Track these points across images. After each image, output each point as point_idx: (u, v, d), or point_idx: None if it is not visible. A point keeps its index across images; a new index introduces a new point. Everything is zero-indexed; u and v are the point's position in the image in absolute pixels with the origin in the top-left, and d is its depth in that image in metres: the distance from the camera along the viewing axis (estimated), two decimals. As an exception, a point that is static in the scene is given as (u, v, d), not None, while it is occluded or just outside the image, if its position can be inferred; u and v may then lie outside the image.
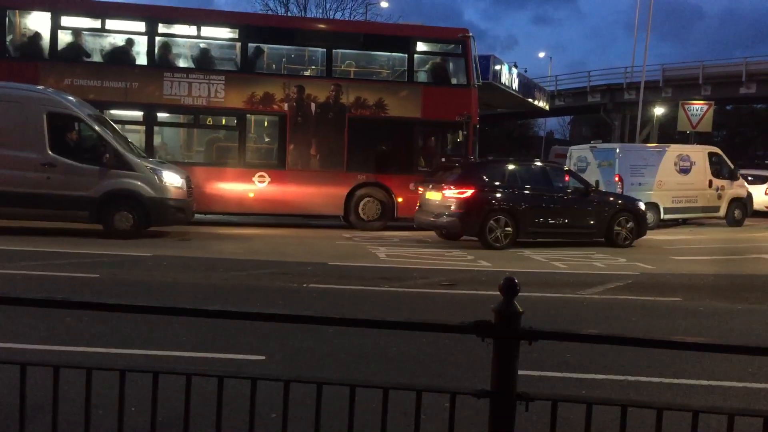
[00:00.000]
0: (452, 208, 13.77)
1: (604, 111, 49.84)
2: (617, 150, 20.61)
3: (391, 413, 2.41)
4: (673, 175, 20.26)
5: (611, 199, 15.48)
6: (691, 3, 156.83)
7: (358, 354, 5.78)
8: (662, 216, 19.98)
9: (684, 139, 27.02)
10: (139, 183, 13.09)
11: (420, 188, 15.21)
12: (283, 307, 7.72)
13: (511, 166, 14.86)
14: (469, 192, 13.76)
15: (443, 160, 16.50)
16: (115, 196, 13.04)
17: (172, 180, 13.49)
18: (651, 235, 16.66)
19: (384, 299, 8.58)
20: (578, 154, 21.37)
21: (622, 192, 18.34)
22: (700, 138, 26.45)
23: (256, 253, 12.16)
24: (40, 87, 13.72)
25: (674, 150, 20.90)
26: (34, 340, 5.80)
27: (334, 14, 42.25)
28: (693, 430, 2.25)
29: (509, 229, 13.76)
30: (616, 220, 14.77)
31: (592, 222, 14.69)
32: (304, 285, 9.12)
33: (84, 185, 12.84)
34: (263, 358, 5.59)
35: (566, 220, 14.49)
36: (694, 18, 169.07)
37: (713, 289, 9.96)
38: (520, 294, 2.24)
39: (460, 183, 13.94)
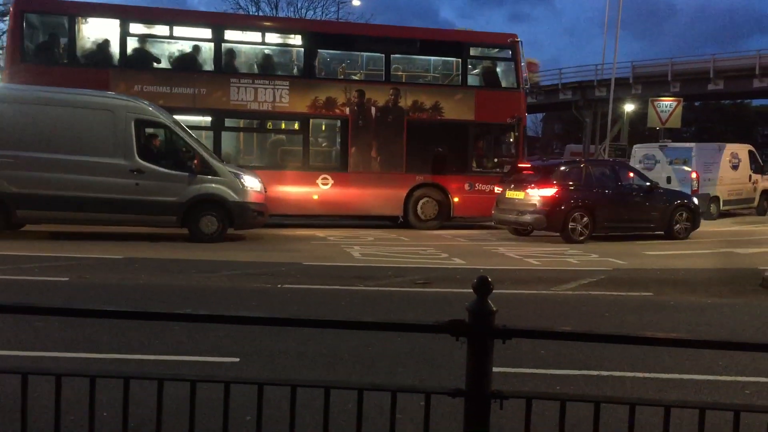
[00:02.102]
0: (537, 205, 14.80)
1: (576, 108, 50.33)
2: (693, 149, 22.63)
3: (367, 412, 2.40)
4: (729, 171, 22.88)
5: (670, 195, 16.73)
6: (664, 0, 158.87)
7: (333, 354, 5.77)
8: (721, 207, 22.35)
9: (654, 135, 27.34)
10: (223, 188, 13.38)
11: (497, 188, 16.26)
12: (257, 308, 7.68)
13: (586, 166, 16.20)
14: (552, 191, 14.88)
15: (495, 160, 17.96)
16: (201, 201, 13.32)
17: (253, 184, 13.83)
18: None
19: (359, 298, 8.57)
20: (644, 152, 23.37)
21: (698, 188, 20.64)
22: (670, 134, 26.83)
23: (229, 255, 12.07)
24: (125, 95, 13.98)
25: (729, 148, 23.44)
26: (1, 345, 5.70)
27: (306, 13, 42.15)
28: (665, 424, 2.27)
29: (587, 224, 14.82)
30: (675, 215, 15.98)
31: (655, 217, 15.83)
32: (279, 285, 9.07)
33: (172, 191, 13.11)
34: (237, 360, 5.55)
35: (634, 215, 15.67)
36: (667, 15, 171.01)
37: (684, 284, 10.10)
38: (494, 291, 2.25)
39: (543, 183, 15.02)
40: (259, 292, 8.75)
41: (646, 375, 5.46)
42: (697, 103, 64.69)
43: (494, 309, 2.21)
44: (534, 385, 5.13)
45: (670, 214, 15.91)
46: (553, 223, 14.85)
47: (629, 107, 45.24)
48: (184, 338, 6.00)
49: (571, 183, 15.23)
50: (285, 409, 2.41)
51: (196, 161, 13.30)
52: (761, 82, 48.66)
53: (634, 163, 22.26)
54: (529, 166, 16.29)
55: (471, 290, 2.26)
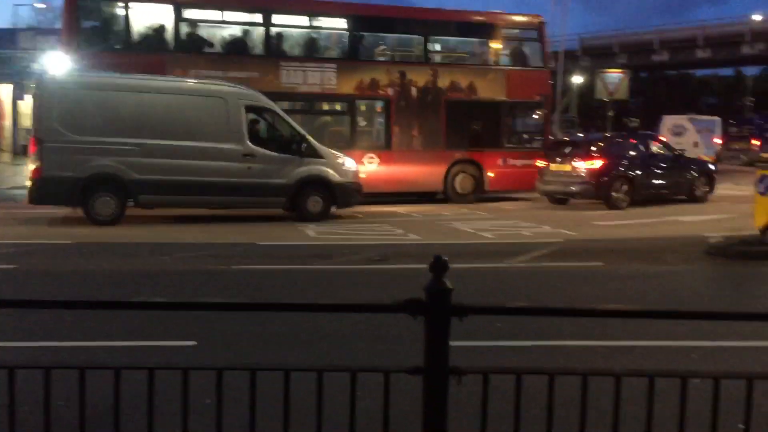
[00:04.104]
0: (585, 177, 16.25)
1: (526, 80, 50.59)
2: (717, 121, 30.70)
3: (328, 391, 2.43)
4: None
5: (690, 163, 18.44)
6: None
7: (292, 335, 5.77)
8: None
9: (602, 106, 27.84)
10: (328, 169, 13.85)
11: (540, 161, 17.44)
12: (212, 290, 7.62)
13: (623, 139, 18.67)
14: (599, 163, 16.32)
15: (525, 136, 19.08)
16: (308, 182, 13.72)
17: (351, 165, 14.41)
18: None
19: (316, 277, 8.58)
20: (673, 122, 29.60)
21: (721, 152, 28.35)
22: (617, 105, 27.38)
23: (183, 236, 11.93)
24: (234, 83, 14.30)
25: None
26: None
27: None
28: (616, 392, 2.35)
29: (627, 192, 16.31)
30: (696, 181, 17.65)
31: (681, 183, 17.51)
32: (234, 267, 9.01)
33: (281, 173, 13.51)
34: (195, 343, 5.52)
35: (665, 182, 17.33)
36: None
37: (633, 253, 10.36)
38: (451, 266, 2.28)
39: (589, 156, 16.55)
40: (214, 274, 8.69)
41: (598, 343, 5.62)
42: (643, 74, 65.87)
43: (450, 287, 2.24)
44: (491, 357, 5.23)
45: (691, 180, 17.57)
46: (599, 192, 16.30)
47: (578, 79, 45.86)
48: (140, 323, 5.92)
49: (611, 155, 16.69)
50: (245, 389, 2.42)
51: (304, 145, 13.78)
52: (704, 53, 49.74)
53: (663, 131, 27.31)
54: (570, 140, 18.29)
55: (427, 266, 2.29)
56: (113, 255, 9.95)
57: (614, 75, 27.21)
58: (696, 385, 2.49)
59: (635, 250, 10.65)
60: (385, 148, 17.63)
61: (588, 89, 41.18)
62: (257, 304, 2.61)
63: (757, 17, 48.34)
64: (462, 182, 18.08)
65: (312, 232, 12.37)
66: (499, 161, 18.18)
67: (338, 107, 18.10)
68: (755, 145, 35.29)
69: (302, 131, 14.07)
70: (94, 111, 12.70)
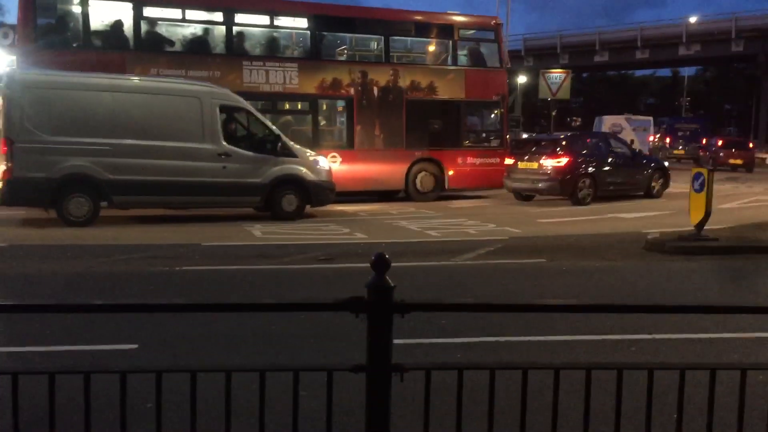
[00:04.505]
0: (551, 174, 16.86)
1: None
2: (651, 120, 35.10)
3: (272, 392, 2.41)
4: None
5: (646, 160, 19.92)
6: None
7: (236, 335, 5.71)
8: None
9: (545, 106, 28.34)
10: (302, 168, 14.03)
11: (508, 159, 18.11)
12: (155, 292, 7.48)
13: (587, 138, 19.67)
14: (564, 161, 16.94)
15: (484, 135, 19.73)
16: (282, 181, 13.85)
17: (325, 164, 14.60)
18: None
19: (262, 277, 8.50)
20: (612, 122, 33.11)
21: (654, 148, 27.84)
22: (560, 105, 27.94)
23: (125, 238, 11.67)
24: (208, 82, 14.48)
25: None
26: None
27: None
28: (555, 385, 2.39)
29: (591, 189, 17.04)
30: (652, 177, 18.61)
31: (639, 179, 18.45)
32: (177, 268, 8.85)
33: (256, 172, 13.59)
34: (136, 346, 5.41)
35: (624, 179, 18.11)
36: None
37: (574, 249, 10.58)
38: (397, 264, 2.29)
39: (555, 154, 17.10)
40: (157, 275, 8.52)
41: (541, 338, 5.72)
42: (584, 75, 67.32)
43: (392, 285, 2.24)
44: (436, 353, 5.27)
45: (649, 177, 18.54)
46: (564, 188, 16.95)
47: (522, 79, 46.58)
48: (79, 327, 5.77)
49: (576, 154, 17.37)
50: (187, 393, 2.37)
51: (279, 144, 13.91)
52: (642, 54, 51.09)
53: (603, 129, 30.17)
54: (537, 138, 19.10)
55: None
56: (49, 258, 9.65)
57: (557, 75, 27.66)
58: (633, 378, 2.55)
59: (576, 246, 10.88)
60: (347, 147, 17.78)
61: (532, 89, 41.83)
62: (199, 305, 2.56)
63: (693, 19, 49.92)
64: (423, 180, 18.39)
65: (258, 232, 12.25)
66: (459, 160, 18.58)
67: (300, 106, 18.18)
68: (665, 143, 40.26)
69: (277, 131, 14.22)
70: (67, 110, 12.52)
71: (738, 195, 19.43)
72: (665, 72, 77.30)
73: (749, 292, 8.09)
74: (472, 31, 20.00)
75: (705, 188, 10.33)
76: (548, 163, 17.02)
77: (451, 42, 19.10)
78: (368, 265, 2.25)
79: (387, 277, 2.26)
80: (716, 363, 2.57)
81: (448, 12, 20.64)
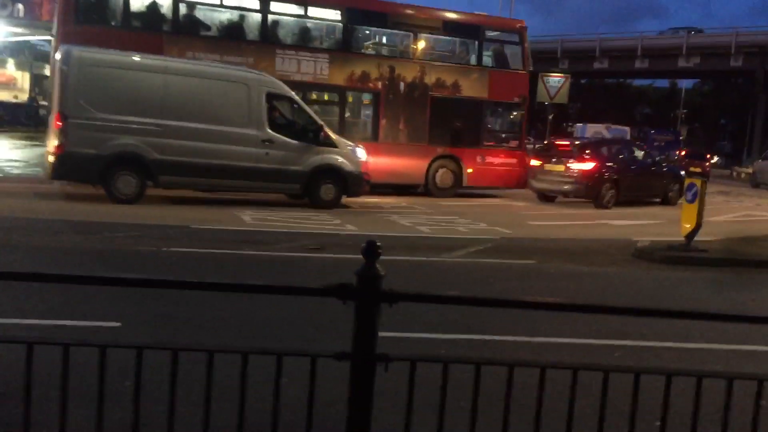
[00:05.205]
0: (577, 177, 17.48)
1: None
2: (627, 130, 38.35)
3: (254, 377, 2.37)
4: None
5: (665, 169, 20.57)
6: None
7: (220, 318, 5.67)
8: None
9: (542, 110, 28.30)
10: (341, 158, 14.27)
11: (534, 160, 18.86)
12: (140, 271, 7.42)
13: (612, 144, 20.65)
14: (591, 165, 17.63)
15: (504, 136, 19.87)
16: (322, 170, 14.07)
17: (362, 155, 14.70)
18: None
19: (249, 263, 8.46)
20: (594, 130, 36.28)
21: None
22: (557, 110, 27.93)
23: (112, 215, 11.58)
24: (256, 70, 14.77)
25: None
26: None
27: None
28: (540, 384, 2.37)
29: (613, 194, 17.58)
30: (669, 186, 19.41)
31: (657, 187, 19.25)
32: (164, 249, 8.79)
33: (297, 160, 13.85)
34: (119, 324, 5.35)
35: (644, 186, 18.87)
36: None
37: (564, 253, 10.58)
38: (386, 258, 2.25)
39: (582, 158, 17.84)
40: (143, 255, 8.46)
41: (526, 339, 5.70)
42: (583, 81, 67.39)
43: (382, 273, 2.22)
44: (421, 348, 5.24)
45: (666, 185, 19.35)
46: (589, 192, 17.60)
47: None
48: (60, 302, 5.71)
49: (602, 159, 18.10)
50: (167, 373, 2.33)
51: (321, 133, 14.09)
52: (642, 63, 51.20)
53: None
54: (566, 143, 19.73)
55: (361, 256, 2.26)
56: (36, 233, 9.55)
57: (556, 78, 27.58)
58: (618, 382, 2.53)
59: (566, 250, 10.88)
60: (371, 140, 17.78)
61: (529, 92, 41.78)
62: (182, 283, 2.52)
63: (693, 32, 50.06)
64: (442, 177, 18.65)
65: (248, 218, 12.20)
66: (478, 158, 18.83)
67: (328, 97, 18.40)
68: None
69: (319, 120, 14.40)
70: (120, 89, 12.73)
71: (728, 209, 19.51)
72: (663, 83, 77.54)
73: (736, 303, 8.10)
74: (497, 33, 20.27)
75: (697, 199, 10.35)
76: (575, 166, 17.62)
77: (477, 42, 19.41)
78: (356, 256, 2.23)
79: (378, 266, 2.22)
80: (701, 370, 2.55)
81: (475, 13, 20.92)
